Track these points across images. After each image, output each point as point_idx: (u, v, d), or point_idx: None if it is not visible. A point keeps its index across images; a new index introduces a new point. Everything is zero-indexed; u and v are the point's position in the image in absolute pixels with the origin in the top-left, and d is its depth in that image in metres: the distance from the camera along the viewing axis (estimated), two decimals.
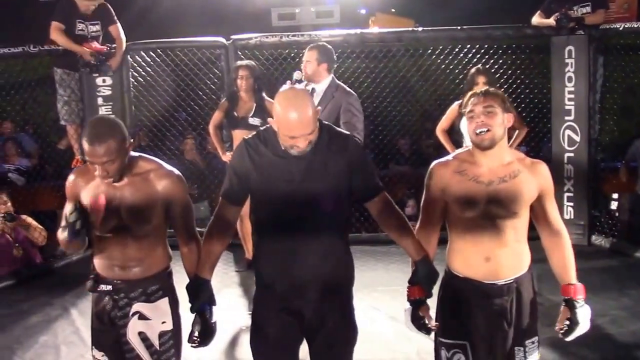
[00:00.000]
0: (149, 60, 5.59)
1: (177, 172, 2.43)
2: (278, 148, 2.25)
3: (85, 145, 2.24)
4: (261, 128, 2.39)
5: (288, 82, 3.90)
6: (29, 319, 4.27)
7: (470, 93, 2.35)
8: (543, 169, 2.33)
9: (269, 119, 2.28)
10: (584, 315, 2.29)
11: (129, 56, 5.51)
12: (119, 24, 5.39)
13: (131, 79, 5.57)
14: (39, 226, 5.23)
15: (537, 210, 2.35)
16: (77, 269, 4.89)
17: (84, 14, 5.23)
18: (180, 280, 2.48)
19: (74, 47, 5.22)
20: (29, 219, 5.21)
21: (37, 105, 5.96)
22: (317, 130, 2.22)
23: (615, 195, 6.21)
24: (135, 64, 5.59)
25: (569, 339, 2.32)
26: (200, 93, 5.84)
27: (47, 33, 5.18)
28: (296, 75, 4.02)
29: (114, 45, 5.39)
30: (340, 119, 4.08)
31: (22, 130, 6.75)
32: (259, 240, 2.43)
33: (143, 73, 5.61)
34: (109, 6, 5.35)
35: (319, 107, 3.71)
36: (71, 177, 2.43)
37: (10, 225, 5.05)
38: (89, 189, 2.37)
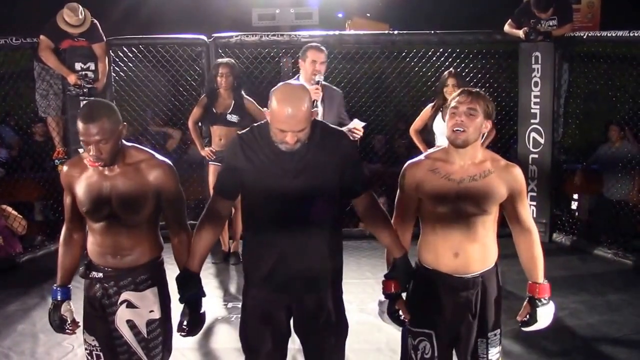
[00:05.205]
0: (131, 56, 5.60)
1: (168, 162, 2.41)
2: (272, 144, 2.24)
3: (80, 125, 2.20)
4: (255, 124, 2.39)
5: (314, 84, 4.02)
6: (6, 307, 4.29)
7: (460, 90, 2.42)
8: (516, 171, 2.39)
9: (264, 110, 2.29)
10: (545, 313, 2.38)
11: (111, 51, 5.50)
12: (104, 43, 5.33)
13: (113, 74, 5.57)
14: (19, 216, 5.26)
15: (509, 209, 2.42)
16: (55, 258, 4.92)
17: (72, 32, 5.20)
18: (173, 271, 2.49)
19: (62, 70, 5.22)
20: (9, 209, 5.23)
21: (18, 97, 5.91)
22: (309, 129, 2.23)
23: (575, 196, 6.37)
24: (117, 59, 5.59)
25: (527, 329, 2.45)
26: (181, 89, 5.89)
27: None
28: (319, 77, 4.10)
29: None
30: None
31: (3, 122, 6.72)
32: (250, 235, 2.43)
33: (125, 68, 5.62)
34: (97, 23, 5.28)
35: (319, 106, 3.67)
36: (65, 169, 2.43)
37: None
38: (82, 179, 2.37)
